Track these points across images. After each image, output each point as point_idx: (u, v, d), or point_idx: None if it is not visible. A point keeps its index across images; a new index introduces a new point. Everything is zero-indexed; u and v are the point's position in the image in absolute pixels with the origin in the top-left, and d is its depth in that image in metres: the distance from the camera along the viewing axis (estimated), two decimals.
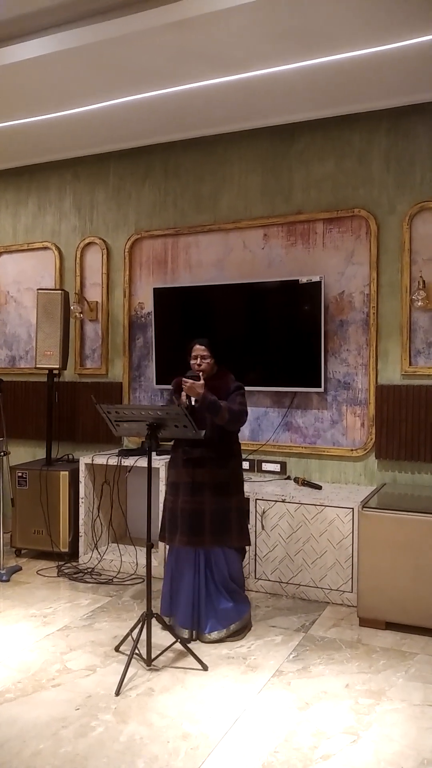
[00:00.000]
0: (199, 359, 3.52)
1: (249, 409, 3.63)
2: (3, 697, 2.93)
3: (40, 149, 5.23)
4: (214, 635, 3.44)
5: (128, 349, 5.21)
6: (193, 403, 3.35)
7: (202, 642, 3.42)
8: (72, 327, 5.27)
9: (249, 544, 3.66)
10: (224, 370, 3.62)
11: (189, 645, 3.28)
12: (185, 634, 3.44)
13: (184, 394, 3.39)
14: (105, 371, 5.30)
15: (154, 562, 4.32)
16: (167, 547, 3.66)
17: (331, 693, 2.95)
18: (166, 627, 3.31)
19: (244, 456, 4.67)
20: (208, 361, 3.53)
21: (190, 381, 3.35)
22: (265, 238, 4.74)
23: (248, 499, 4.15)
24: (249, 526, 4.13)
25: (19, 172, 5.63)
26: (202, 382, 3.37)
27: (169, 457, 4.02)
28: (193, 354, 3.55)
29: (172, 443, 3.63)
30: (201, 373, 3.47)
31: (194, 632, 3.47)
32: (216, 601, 3.46)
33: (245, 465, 4.69)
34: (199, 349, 3.54)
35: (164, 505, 3.63)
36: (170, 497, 3.55)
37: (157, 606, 3.57)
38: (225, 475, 3.48)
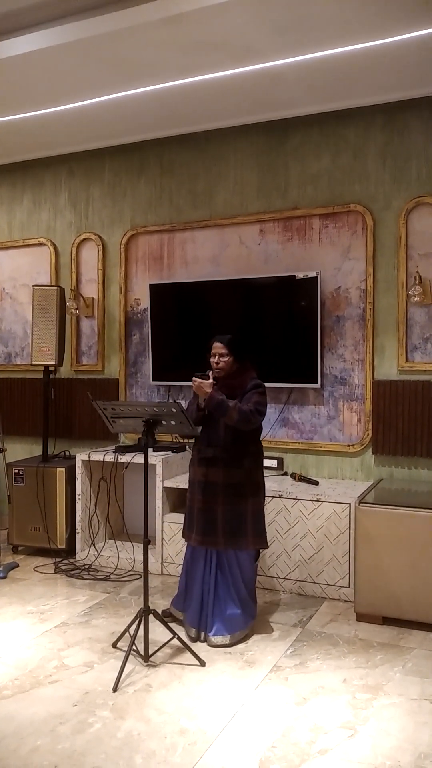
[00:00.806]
0: (216, 357, 3.42)
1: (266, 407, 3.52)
2: (0, 693, 2.93)
3: (34, 145, 5.21)
4: (218, 639, 3.37)
5: (124, 345, 5.20)
6: (201, 402, 3.31)
7: (209, 645, 3.36)
8: (68, 323, 5.26)
9: (266, 547, 3.57)
10: (246, 366, 3.49)
11: (184, 641, 3.29)
12: (192, 632, 3.42)
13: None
14: (101, 368, 5.30)
15: (151, 559, 4.33)
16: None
17: (328, 688, 2.95)
18: (164, 623, 3.30)
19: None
20: (226, 359, 3.41)
21: (199, 380, 3.28)
22: (261, 233, 4.74)
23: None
24: None
25: (13, 168, 5.61)
26: (210, 381, 3.29)
27: (166, 453, 4.04)
28: (212, 351, 3.45)
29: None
30: (211, 373, 3.38)
31: (202, 633, 3.43)
32: (225, 606, 3.41)
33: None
34: (217, 347, 3.43)
35: (186, 501, 3.60)
36: (189, 495, 3.53)
37: (158, 603, 3.57)
38: (239, 476, 3.39)
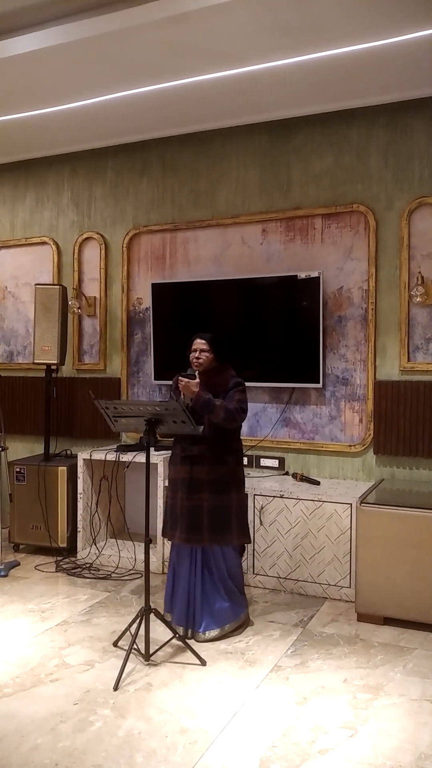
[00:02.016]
0: (198, 352, 3.49)
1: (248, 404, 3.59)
2: (1, 692, 2.93)
3: (37, 144, 5.21)
4: (209, 634, 3.42)
5: (126, 344, 5.20)
6: (188, 402, 3.33)
7: (197, 641, 3.40)
8: (70, 322, 5.27)
9: (249, 542, 3.63)
10: (225, 366, 3.57)
11: (186, 640, 3.29)
12: (180, 631, 3.41)
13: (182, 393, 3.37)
14: (103, 367, 5.30)
15: (152, 558, 4.33)
16: (170, 542, 3.65)
17: (329, 688, 2.96)
18: (165, 622, 3.31)
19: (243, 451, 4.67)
20: (207, 355, 3.49)
21: (185, 380, 3.32)
22: (263, 233, 4.74)
23: (248, 495, 4.16)
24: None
25: (16, 167, 5.61)
26: (197, 380, 3.33)
27: (167, 452, 4.02)
28: (193, 347, 3.52)
29: (172, 440, 3.61)
30: (197, 371, 3.43)
31: (189, 630, 3.45)
32: (212, 600, 3.44)
33: (244, 461, 4.70)
34: (199, 343, 3.51)
35: (165, 501, 3.62)
36: (170, 494, 3.54)
37: (158, 602, 3.57)
38: (223, 473, 3.45)
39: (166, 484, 3.72)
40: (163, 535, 3.61)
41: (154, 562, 4.39)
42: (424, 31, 3.43)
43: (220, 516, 3.40)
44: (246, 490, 4.11)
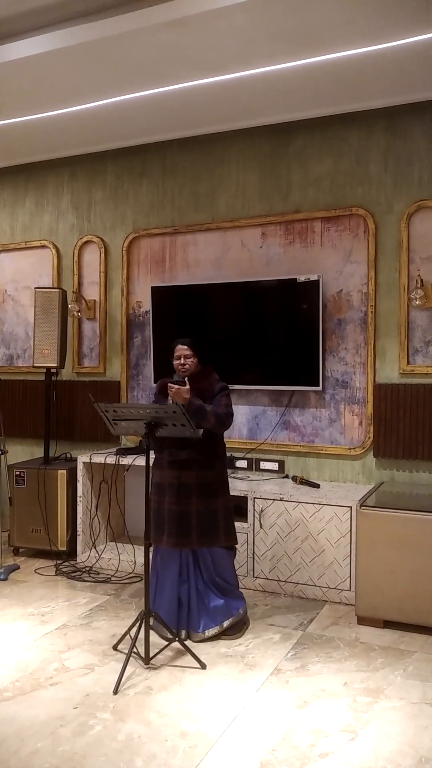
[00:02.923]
0: (182, 359, 3.50)
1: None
2: (1, 695, 2.93)
3: (37, 148, 5.22)
4: (209, 633, 3.43)
5: (126, 347, 5.21)
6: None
7: (195, 641, 3.39)
8: (70, 325, 5.27)
9: (236, 543, 3.62)
10: (208, 370, 3.59)
11: (186, 643, 3.28)
12: (167, 634, 3.36)
13: (170, 398, 3.36)
14: (103, 370, 5.30)
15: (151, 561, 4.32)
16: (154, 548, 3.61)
17: (329, 691, 2.95)
18: (165, 626, 3.30)
19: (242, 455, 4.70)
20: (191, 360, 3.50)
21: (176, 387, 3.31)
22: (263, 236, 4.74)
23: (242, 497, 4.16)
24: (247, 525, 4.14)
25: (16, 171, 5.62)
26: (187, 387, 3.33)
27: None
28: (176, 354, 3.52)
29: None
30: (186, 377, 3.44)
31: (185, 632, 3.44)
32: (206, 599, 3.46)
33: (243, 464, 4.71)
34: (181, 349, 3.51)
35: (149, 506, 3.58)
36: (155, 498, 3.51)
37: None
38: (211, 477, 3.47)
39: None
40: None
41: None
42: (424, 35, 3.44)
43: (207, 519, 3.42)
44: (245, 493, 4.14)
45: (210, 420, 3.36)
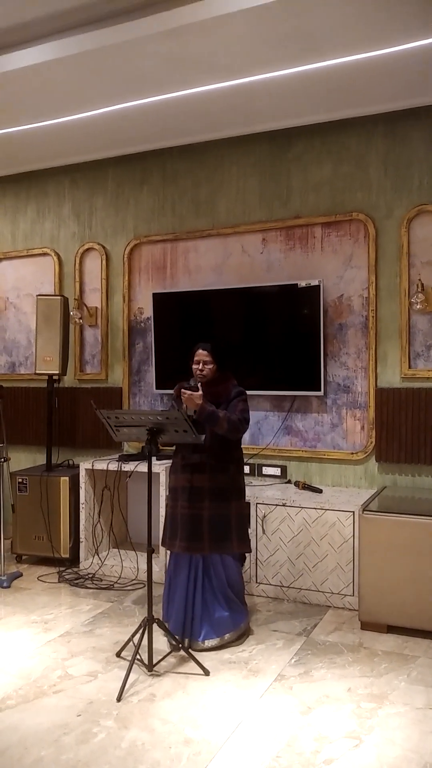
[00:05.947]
0: (201, 364, 3.49)
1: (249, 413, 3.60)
2: (4, 703, 2.92)
3: (38, 156, 5.24)
4: (208, 644, 3.40)
5: (128, 354, 5.22)
6: (192, 414, 3.33)
7: (195, 650, 3.36)
8: (71, 332, 5.28)
9: (249, 551, 3.61)
10: (227, 375, 3.57)
11: (189, 650, 3.28)
12: (171, 639, 3.36)
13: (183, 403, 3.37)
14: (105, 376, 5.31)
15: (155, 568, 4.31)
16: (168, 552, 3.64)
17: (333, 697, 2.94)
18: (168, 632, 3.30)
19: (244, 460, 4.68)
20: (210, 366, 3.49)
21: (188, 392, 3.31)
22: (263, 242, 4.75)
23: (249, 503, 4.15)
24: (250, 531, 4.13)
25: (17, 179, 5.64)
26: (200, 393, 3.33)
27: (169, 462, 4.03)
28: (195, 359, 3.51)
29: (173, 448, 3.61)
30: (200, 383, 3.44)
31: (187, 639, 3.41)
32: (212, 609, 3.43)
33: (246, 469, 4.69)
34: (201, 354, 3.50)
35: (165, 510, 3.62)
36: (170, 502, 3.54)
37: (159, 611, 3.56)
38: (224, 481, 3.44)
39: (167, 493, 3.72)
40: (163, 544, 3.59)
41: (157, 572, 4.37)
42: (423, 41, 3.45)
43: (220, 524, 3.39)
44: (248, 498, 4.13)
45: (223, 426, 3.33)
